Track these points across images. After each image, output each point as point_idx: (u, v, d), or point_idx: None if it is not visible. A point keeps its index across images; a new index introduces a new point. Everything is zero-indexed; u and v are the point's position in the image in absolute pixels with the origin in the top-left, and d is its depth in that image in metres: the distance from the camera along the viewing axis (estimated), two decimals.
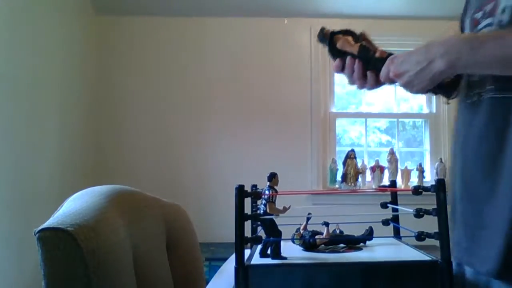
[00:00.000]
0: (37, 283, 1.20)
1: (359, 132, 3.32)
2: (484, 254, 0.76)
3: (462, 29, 0.96)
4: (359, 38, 0.90)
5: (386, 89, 3.32)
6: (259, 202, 0.79)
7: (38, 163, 2.42)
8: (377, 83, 0.87)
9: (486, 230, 0.77)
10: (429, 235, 0.70)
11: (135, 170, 3.02)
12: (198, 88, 3.12)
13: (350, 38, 0.90)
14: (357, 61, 0.87)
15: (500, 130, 0.78)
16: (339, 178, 3.03)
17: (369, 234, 0.90)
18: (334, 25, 0.95)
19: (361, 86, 0.89)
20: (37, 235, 0.76)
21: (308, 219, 0.88)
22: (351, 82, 0.90)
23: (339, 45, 0.89)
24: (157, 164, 3.06)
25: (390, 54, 0.86)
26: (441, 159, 3.03)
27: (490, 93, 0.81)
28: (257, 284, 0.69)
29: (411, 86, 0.81)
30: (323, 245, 0.85)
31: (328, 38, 0.90)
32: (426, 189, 0.72)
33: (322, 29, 0.91)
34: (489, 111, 0.81)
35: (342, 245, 0.86)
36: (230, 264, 0.74)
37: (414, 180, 3.04)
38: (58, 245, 0.75)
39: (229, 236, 0.76)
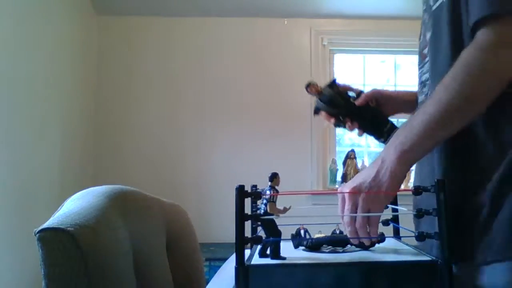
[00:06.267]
0: (37, 283, 1.20)
1: None
2: None
3: None
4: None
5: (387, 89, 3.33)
6: (259, 202, 0.79)
7: (38, 162, 2.42)
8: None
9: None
10: (429, 235, 0.70)
11: (135, 170, 3.02)
12: (198, 88, 3.13)
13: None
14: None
15: None
16: (339, 178, 3.04)
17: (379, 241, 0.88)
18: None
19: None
20: (37, 235, 0.76)
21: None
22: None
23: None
24: (157, 164, 3.06)
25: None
26: None
27: None
28: (257, 284, 0.69)
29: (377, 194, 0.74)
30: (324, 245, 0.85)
31: (332, 89, 1.00)
32: (426, 189, 0.72)
33: (309, 84, 0.99)
34: None
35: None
36: (230, 264, 0.74)
37: None
38: (58, 245, 0.75)
39: (229, 236, 0.76)
